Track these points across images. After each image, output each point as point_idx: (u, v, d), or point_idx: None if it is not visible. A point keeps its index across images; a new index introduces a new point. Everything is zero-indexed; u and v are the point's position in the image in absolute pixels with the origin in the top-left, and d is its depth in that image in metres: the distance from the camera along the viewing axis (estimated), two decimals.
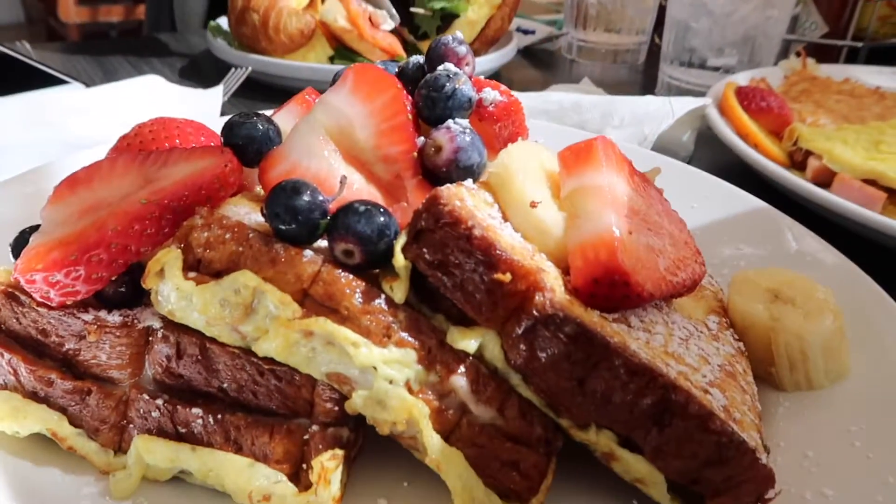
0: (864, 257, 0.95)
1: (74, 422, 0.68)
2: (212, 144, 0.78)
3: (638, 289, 0.64)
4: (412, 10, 2.00)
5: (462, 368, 0.63)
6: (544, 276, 0.61)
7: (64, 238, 0.66)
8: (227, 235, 0.64)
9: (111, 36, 5.26)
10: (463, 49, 0.76)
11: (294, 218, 0.63)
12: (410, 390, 0.62)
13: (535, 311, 0.60)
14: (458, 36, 0.77)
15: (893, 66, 1.98)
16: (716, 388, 0.63)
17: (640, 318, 0.69)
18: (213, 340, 0.64)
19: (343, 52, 1.84)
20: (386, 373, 0.61)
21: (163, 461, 0.64)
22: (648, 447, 0.61)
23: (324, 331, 0.61)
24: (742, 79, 1.70)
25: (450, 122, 0.70)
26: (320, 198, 0.64)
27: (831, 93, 1.73)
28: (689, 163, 1.49)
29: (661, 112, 1.37)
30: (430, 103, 0.72)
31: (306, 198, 0.63)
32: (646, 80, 2.15)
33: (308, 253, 0.63)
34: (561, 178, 0.72)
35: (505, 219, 0.68)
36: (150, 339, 0.66)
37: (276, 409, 0.65)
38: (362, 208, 0.63)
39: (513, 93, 0.78)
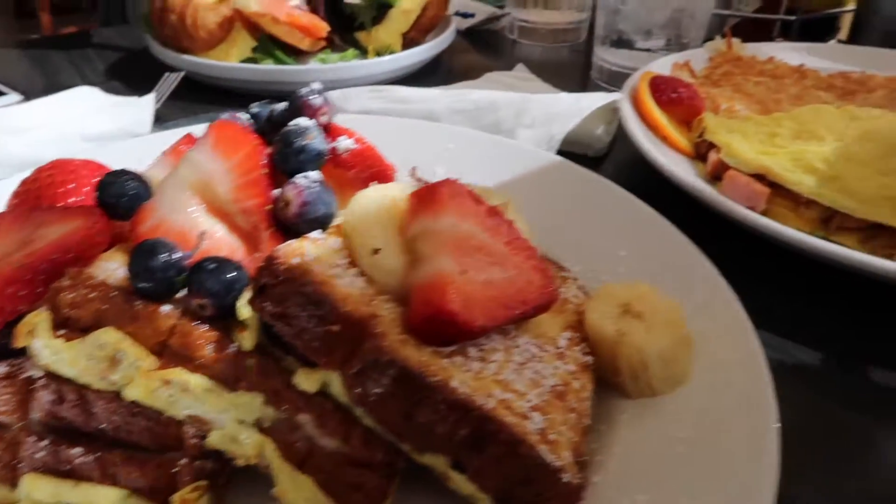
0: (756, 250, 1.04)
1: None
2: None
3: (468, 325, 0.71)
4: (347, 1, 2.02)
5: (308, 406, 0.70)
6: (376, 322, 0.69)
7: None
8: (92, 294, 0.71)
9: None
10: (319, 100, 0.81)
11: (151, 277, 0.70)
12: (261, 428, 0.70)
13: (363, 356, 0.67)
14: (316, 86, 0.82)
15: (824, 40, 2.01)
16: (537, 411, 0.71)
17: (480, 346, 0.76)
18: (89, 387, 0.72)
19: (265, 43, 1.85)
20: (236, 415, 0.68)
21: (47, 497, 0.72)
22: (470, 469, 0.69)
23: (179, 379, 0.68)
24: (666, 63, 1.73)
25: (299, 176, 0.76)
26: (176, 256, 0.71)
27: (753, 74, 1.77)
28: (603, 157, 1.55)
29: (570, 111, 1.41)
30: (283, 158, 0.78)
31: (163, 258, 0.70)
32: (586, 62, 2.17)
33: (165, 308, 0.70)
34: (407, 222, 0.78)
35: (352, 264, 0.75)
36: (34, 386, 0.74)
37: (150, 446, 0.73)
38: (212, 266, 0.70)
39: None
